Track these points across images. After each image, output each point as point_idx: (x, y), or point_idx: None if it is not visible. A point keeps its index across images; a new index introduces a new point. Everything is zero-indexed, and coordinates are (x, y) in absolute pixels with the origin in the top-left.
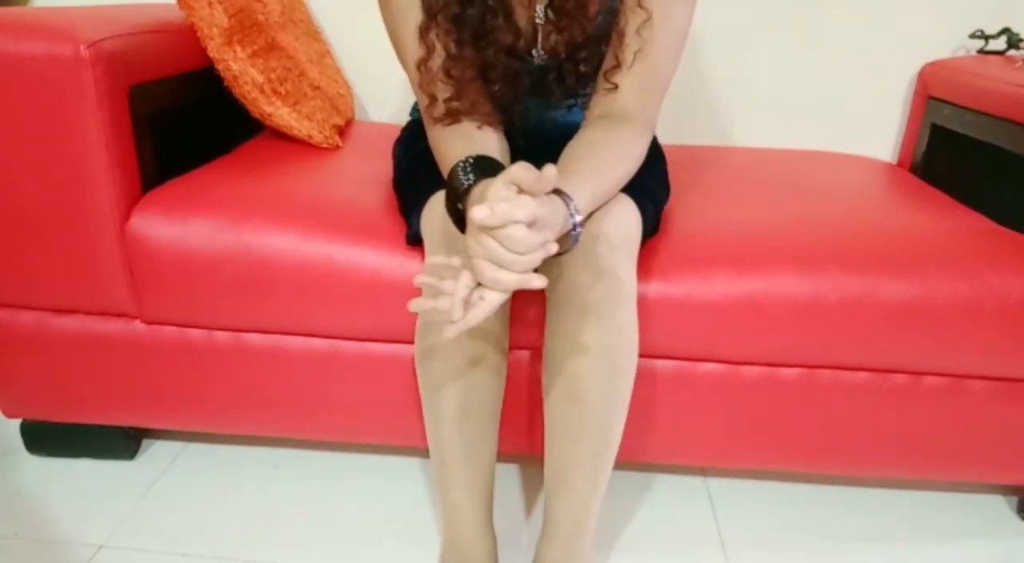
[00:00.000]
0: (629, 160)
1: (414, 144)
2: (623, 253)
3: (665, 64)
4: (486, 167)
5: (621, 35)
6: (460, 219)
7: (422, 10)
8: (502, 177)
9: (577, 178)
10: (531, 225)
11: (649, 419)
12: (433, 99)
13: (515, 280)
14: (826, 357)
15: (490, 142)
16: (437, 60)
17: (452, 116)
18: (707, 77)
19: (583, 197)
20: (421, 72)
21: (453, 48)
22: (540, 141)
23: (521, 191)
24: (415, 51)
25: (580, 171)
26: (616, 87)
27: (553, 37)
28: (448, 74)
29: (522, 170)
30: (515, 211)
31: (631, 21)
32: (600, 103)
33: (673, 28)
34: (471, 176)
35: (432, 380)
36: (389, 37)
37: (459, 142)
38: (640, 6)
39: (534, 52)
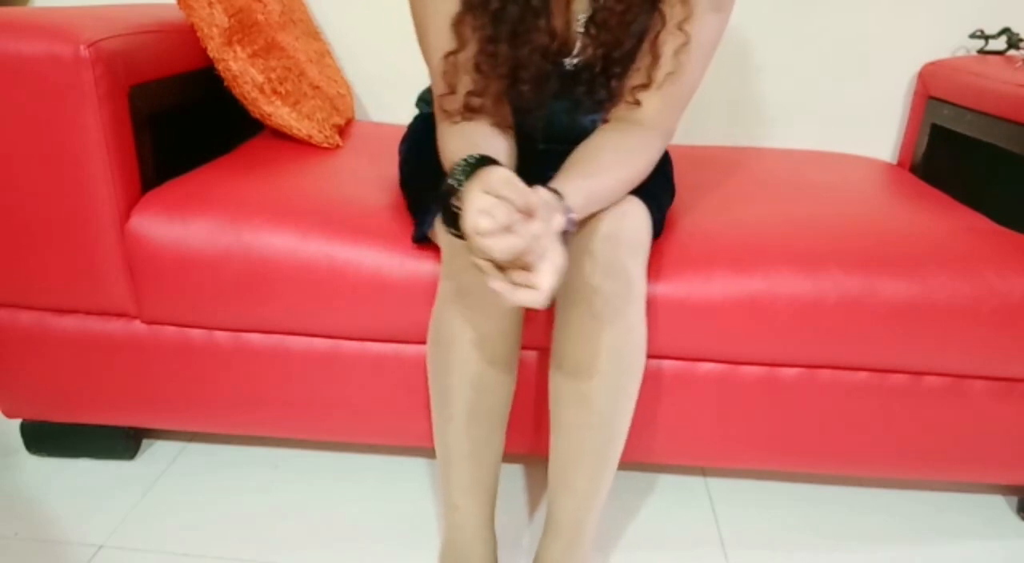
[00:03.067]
0: (635, 164)
1: (423, 143)
2: (634, 254)
3: (693, 79)
4: (482, 166)
5: (657, 56)
6: (452, 216)
7: (460, 1)
8: (477, 184)
9: (571, 178)
10: (509, 228)
11: (649, 419)
12: (452, 90)
13: (532, 294)
14: (826, 357)
15: (498, 148)
16: (467, 53)
17: (470, 111)
18: (707, 77)
19: (577, 196)
20: (447, 62)
21: (487, 43)
22: (567, 146)
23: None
24: (444, 41)
25: (577, 172)
26: (639, 103)
27: (590, 50)
28: (478, 68)
29: (501, 183)
30: (480, 222)
31: (669, 42)
32: (620, 109)
33: (705, 45)
34: (461, 180)
35: (444, 380)
36: (415, 23)
37: (464, 144)
38: (680, 29)
39: (567, 60)
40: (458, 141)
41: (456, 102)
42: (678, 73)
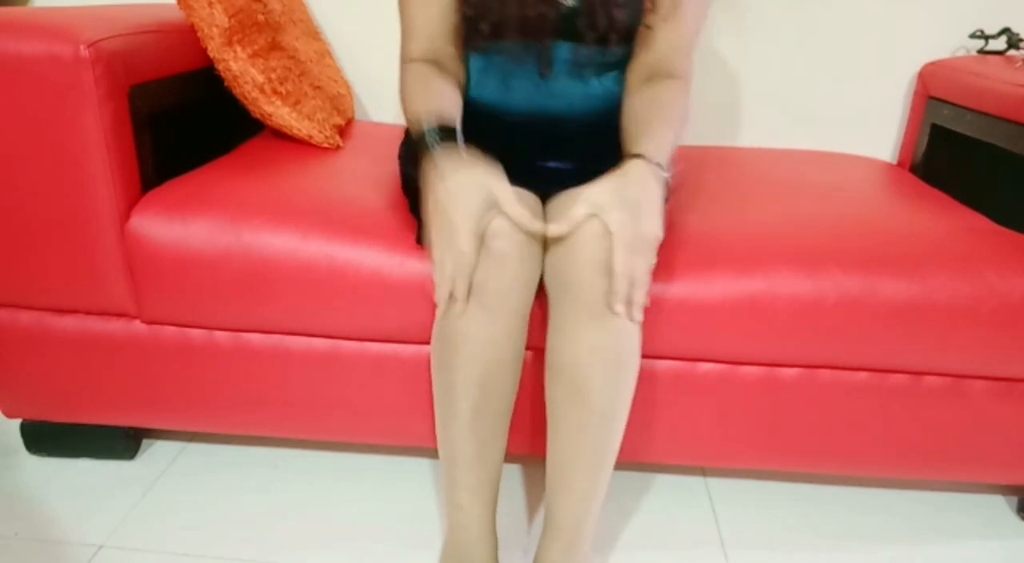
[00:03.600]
0: (680, 115)
1: None
2: None
3: (696, 12)
4: (450, 131)
5: None
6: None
7: None
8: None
9: (647, 139)
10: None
11: (649, 419)
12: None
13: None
14: (826, 357)
15: (452, 99)
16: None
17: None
18: (707, 77)
19: (661, 150)
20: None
21: None
22: (584, 116)
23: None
24: None
25: (642, 133)
26: (651, 29)
27: None
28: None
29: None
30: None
31: None
32: (638, 64)
33: None
34: (436, 138)
35: (449, 381)
36: None
37: (424, 92)
38: None
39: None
40: (419, 83)
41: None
42: (679, 12)
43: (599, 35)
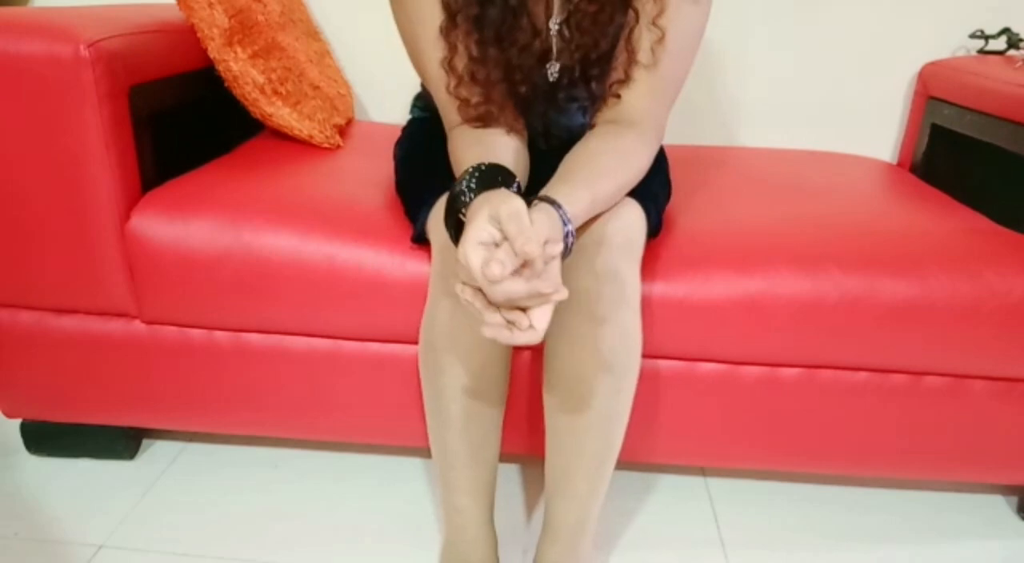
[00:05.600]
0: (631, 168)
1: (416, 143)
2: (627, 256)
3: (676, 72)
4: (493, 177)
5: (633, 52)
6: (458, 227)
7: (442, 10)
8: (485, 207)
9: (572, 186)
10: (523, 266)
11: (649, 419)
12: (464, 102)
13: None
14: (826, 357)
15: (506, 150)
16: (461, 62)
17: (482, 120)
18: (707, 77)
19: (579, 205)
20: (447, 72)
21: (475, 50)
22: (568, 144)
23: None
24: (437, 51)
25: (576, 179)
26: (619, 97)
27: (566, 54)
28: (473, 77)
29: (508, 217)
30: (493, 270)
31: (644, 38)
32: (607, 110)
33: (686, 37)
34: (473, 189)
35: (438, 383)
36: (405, 40)
37: (474, 147)
38: (655, 24)
39: (548, 67)
40: (468, 141)
41: (470, 113)
42: (658, 68)
43: (579, 106)
